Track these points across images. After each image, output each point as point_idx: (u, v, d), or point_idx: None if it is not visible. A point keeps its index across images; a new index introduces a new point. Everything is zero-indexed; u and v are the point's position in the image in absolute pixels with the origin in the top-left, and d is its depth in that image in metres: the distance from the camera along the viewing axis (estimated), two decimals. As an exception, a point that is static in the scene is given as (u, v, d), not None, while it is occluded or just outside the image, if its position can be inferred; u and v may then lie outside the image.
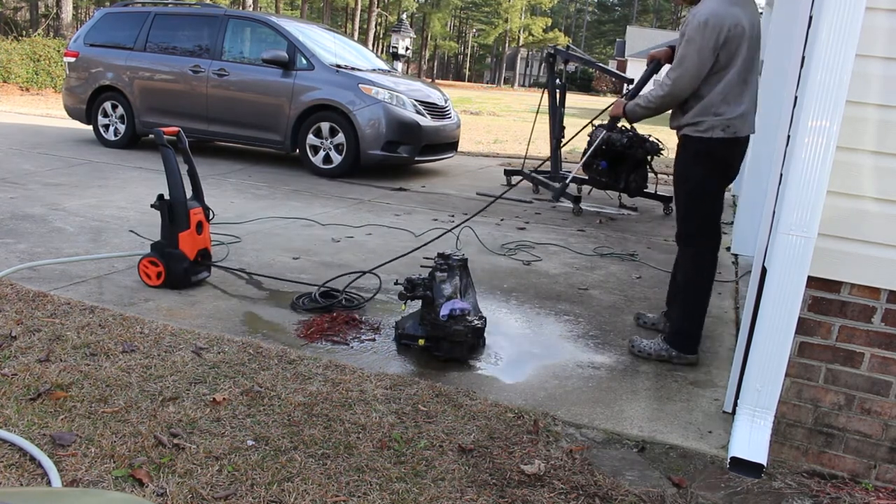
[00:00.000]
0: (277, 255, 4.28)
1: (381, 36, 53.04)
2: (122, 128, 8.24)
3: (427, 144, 7.44)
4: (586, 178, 6.49)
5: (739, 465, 2.21)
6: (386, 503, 1.93)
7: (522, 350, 3.09)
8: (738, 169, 2.97)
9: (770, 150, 2.78)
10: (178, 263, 3.49)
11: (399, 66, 12.87)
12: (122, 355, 2.67)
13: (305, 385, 2.55)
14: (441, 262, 3.03)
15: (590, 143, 5.91)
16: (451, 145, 8.10)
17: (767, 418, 2.24)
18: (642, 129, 6.09)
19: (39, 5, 36.99)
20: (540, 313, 3.57)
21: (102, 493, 1.61)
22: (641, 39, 51.83)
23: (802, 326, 2.24)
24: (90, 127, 8.58)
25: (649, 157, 6.10)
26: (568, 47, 7.15)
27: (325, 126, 7.16)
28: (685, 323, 3.02)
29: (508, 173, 7.48)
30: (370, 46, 35.40)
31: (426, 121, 7.41)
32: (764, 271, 2.28)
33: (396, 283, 3.13)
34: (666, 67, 3.11)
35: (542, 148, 9.09)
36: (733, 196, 6.94)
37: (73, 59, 8.54)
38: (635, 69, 37.86)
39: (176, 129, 3.63)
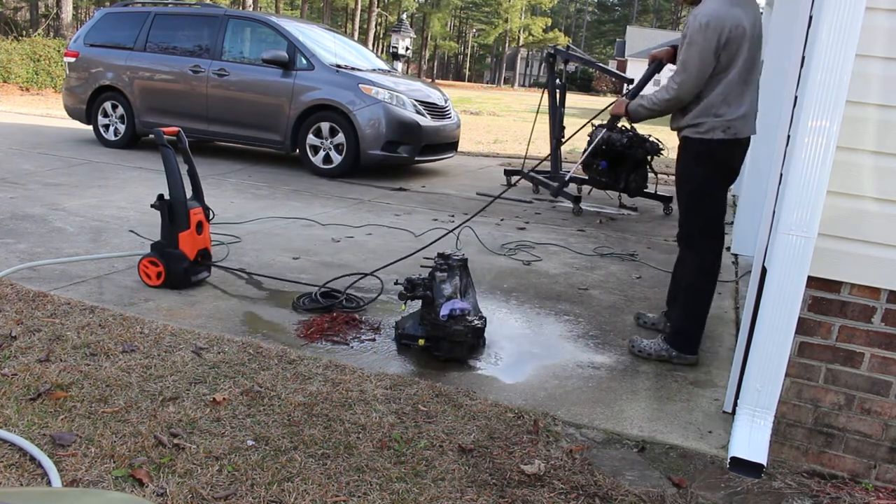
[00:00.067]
0: (277, 255, 4.28)
1: (381, 36, 53.04)
2: (122, 128, 8.24)
3: (427, 144, 7.44)
4: (586, 177, 6.50)
5: (739, 465, 2.21)
6: (386, 503, 1.93)
7: (522, 350, 3.09)
8: (739, 170, 2.97)
9: (770, 150, 2.78)
10: (178, 263, 3.49)
11: (399, 66, 12.87)
12: (122, 355, 2.67)
13: (305, 385, 2.55)
14: (441, 262, 3.03)
15: (590, 143, 5.92)
16: (451, 145, 8.10)
17: (767, 418, 2.24)
18: (642, 129, 6.09)
19: (39, 5, 37.00)
20: (540, 313, 3.57)
21: (102, 493, 1.61)
22: (641, 39, 51.86)
23: (802, 326, 2.24)
24: (90, 127, 8.59)
25: (649, 157, 6.10)
26: (568, 47, 7.15)
27: (325, 126, 7.16)
28: (686, 323, 3.02)
29: (508, 173, 7.48)
30: (370, 46, 35.40)
31: (426, 121, 7.41)
32: (764, 271, 2.28)
33: (396, 283, 3.13)
34: (667, 67, 3.11)
35: (543, 148, 9.09)
36: (733, 196, 6.94)
37: (73, 59, 8.54)
38: (635, 69, 37.86)
39: (176, 129, 3.63)
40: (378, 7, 46.93)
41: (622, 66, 46.47)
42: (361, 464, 2.09)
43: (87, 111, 8.42)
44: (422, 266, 3.90)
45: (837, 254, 2.18)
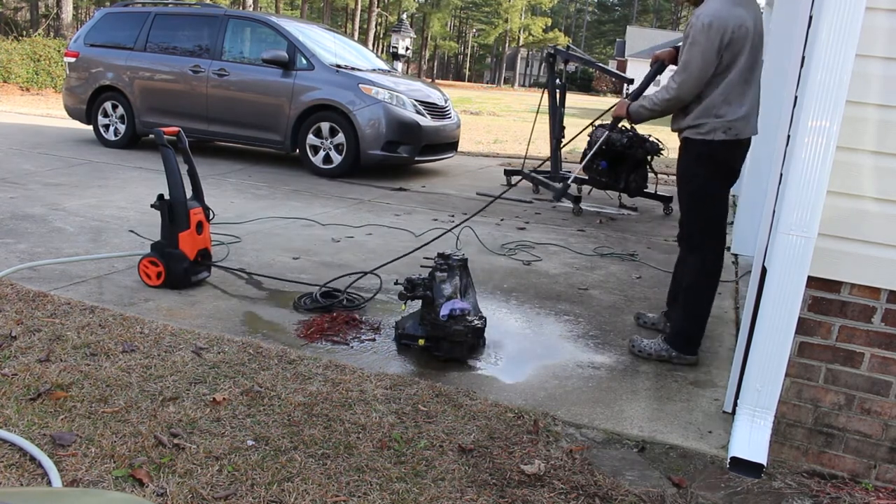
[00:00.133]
0: (277, 255, 4.28)
1: (381, 36, 53.04)
2: (122, 128, 8.24)
3: (427, 144, 7.44)
4: (586, 178, 6.50)
5: (739, 465, 2.21)
6: (386, 503, 1.93)
7: (522, 350, 3.09)
8: (740, 171, 2.97)
9: (770, 150, 2.78)
10: (178, 263, 3.49)
11: (399, 66, 12.87)
12: (122, 355, 2.67)
13: (305, 385, 2.55)
14: (441, 262, 3.03)
15: (590, 144, 5.91)
16: (451, 145, 8.10)
17: (767, 418, 2.24)
18: (643, 129, 6.09)
19: (39, 5, 36.99)
20: (540, 313, 3.57)
21: (102, 493, 1.61)
22: (641, 39, 51.87)
23: (802, 326, 2.24)
24: (90, 127, 8.59)
25: (649, 157, 6.10)
26: (568, 47, 7.15)
27: (325, 126, 7.16)
28: (686, 324, 3.01)
29: (508, 173, 7.48)
30: (370, 46, 35.40)
31: (426, 121, 7.42)
32: (764, 271, 2.28)
33: (396, 283, 3.13)
34: (669, 68, 3.10)
35: (543, 148, 9.09)
36: (733, 196, 6.93)
37: (73, 60, 8.55)
38: (635, 69, 37.84)
39: (176, 129, 3.64)
40: (378, 7, 46.93)
41: (622, 66, 46.47)
42: (361, 464, 2.09)
43: (87, 111, 8.42)
44: (422, 266, 3.90)
45: (837, 254, 2.18)
